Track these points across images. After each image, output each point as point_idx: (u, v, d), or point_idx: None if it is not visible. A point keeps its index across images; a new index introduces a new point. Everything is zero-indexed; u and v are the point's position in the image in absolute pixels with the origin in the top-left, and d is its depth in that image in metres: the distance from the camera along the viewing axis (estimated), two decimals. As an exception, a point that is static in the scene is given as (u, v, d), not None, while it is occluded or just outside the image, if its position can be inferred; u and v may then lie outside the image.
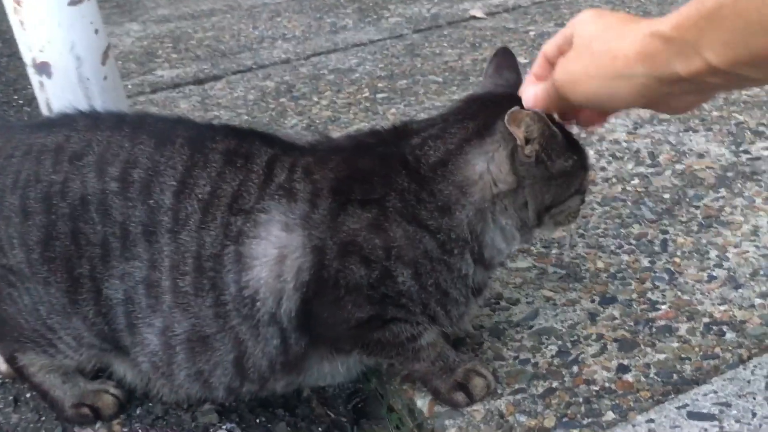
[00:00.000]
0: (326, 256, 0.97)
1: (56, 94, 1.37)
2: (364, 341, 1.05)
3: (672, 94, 0.75)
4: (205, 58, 2.81)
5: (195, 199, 0.99)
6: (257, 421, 1.22)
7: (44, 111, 1.43)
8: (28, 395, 1.30)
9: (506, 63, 1.11)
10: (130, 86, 2.56)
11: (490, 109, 1.01)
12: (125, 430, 1.21)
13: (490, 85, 1.10)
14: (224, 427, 1.21)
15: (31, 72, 1.39)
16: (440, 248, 0.99)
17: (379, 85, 2.38)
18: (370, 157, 1.02)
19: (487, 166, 0.98)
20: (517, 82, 1.07)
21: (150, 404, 1.25)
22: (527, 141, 0.95)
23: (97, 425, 1.22)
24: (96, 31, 1.37)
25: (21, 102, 2.71)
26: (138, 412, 1.24)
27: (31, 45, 1.35)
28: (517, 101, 0.95)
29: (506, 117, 0.92)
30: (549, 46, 0.91)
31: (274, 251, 0.97)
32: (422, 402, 1.11)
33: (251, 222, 0.98)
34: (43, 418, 1.25)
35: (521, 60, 2.45)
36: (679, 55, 0.68)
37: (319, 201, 0.98)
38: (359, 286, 0.98)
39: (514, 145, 0.96)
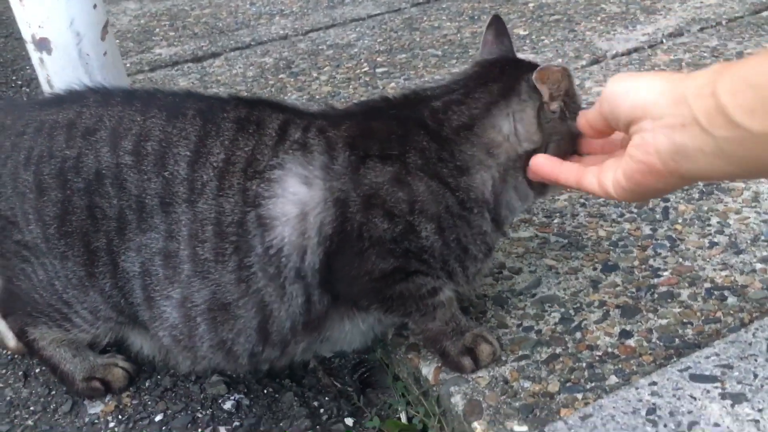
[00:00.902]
0: (349, 209, 0.98)
1: (56, 71, 1.37)
2: (386, 294, 1.05)
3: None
4: (202, 35, 2.80)
5: (210, 167, 1.00)
6: (264, 391, 1.24)
7: (45, 88, 1.43)
8: (37, 370, 1.32)
9: (503, 30, 1.14)
10: (128, 65, 2.55)
11: (510, 70, 1.05)
12: (134, 402, 1.23)
13: (497, 51, 1.12)
14: (232, 397, 1.22)
15: (30, 48, 1.39)
16: (460, 205, 1.02)
17: (379, 59, 2.37)
18: (384, 119, 1.05)
19: (513, 127, 1.02)
20: (511, 48, 1.13)
21: (159, 376, 1.27)
22: (552, 98, 0.99)
23: (108, 398, 1.24)
24: (94, 6, 1.36)
25: (19, 83, 2.71)
26: (147, 384, 1.26)
27: (30, 21, 1.34)
28: (532, 64, 1.02)
29: (534, 74, 0.96)
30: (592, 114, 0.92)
31: (294, 209, 0.98)
32: (427, 370, 1.12)
33: (267, 182, 0.99)
34: (53, 392, 1.27)
35: (520, 32, 2.44)
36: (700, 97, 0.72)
37: (336, 153, 1.00)
38: (383, 240, 0.99)
39: (540, 102, 1.00)
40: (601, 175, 0.88)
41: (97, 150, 1.02)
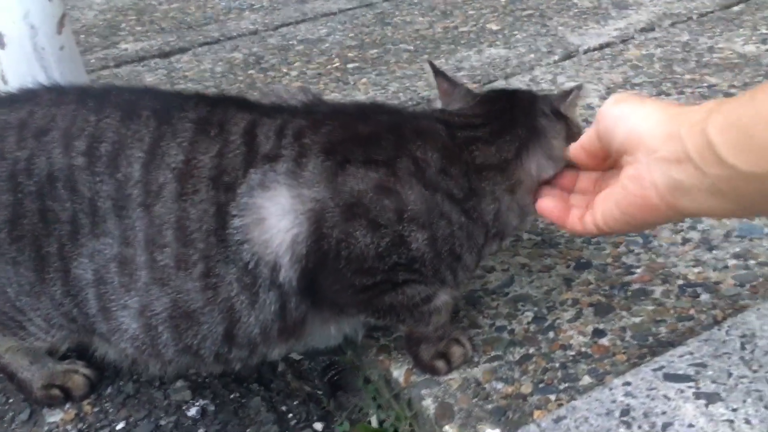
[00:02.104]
0: (326, 223, 0.92)
1: (11, 66, 1.32)
2: (376, 306, 1.01)
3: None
4: (170, 30, 2.74)
5: (167, 169, 0.95)
6: (231, 396, 1.21)
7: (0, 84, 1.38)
8: (-6, 378, 1.27)
9: (445, 74, 1.14)
10: (93, 60, 2.49)
11: (525, 106, 1.05)
12: (96, 410, 1.19)
13: (465, 91, 1.12)
14: (197, 403, 1.19)
15: (-16, 43, 1.33)
16: (465, 214, 0.99)
17: (350, 54, 2.34)
18: (373, 124, 1.00)
19: (538, 163, 1.01)
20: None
21: (121, 383, 1.23)
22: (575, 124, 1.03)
23: (67, 406, 1.19)
24: (50, -1, 1.31)
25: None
26: (108, 391, 1.22)
27: (-18, 14, 1.29)
28: (539, 95, 1.09)
29: (569, 99, 1.03)
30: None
31: (263, 227, 0.93)
32: (398, 372, 1.09)
33: (238, 197, 0.93)
34: (11, 401, 1.22)
35: (492, 27, 2.43)
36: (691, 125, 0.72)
37: (306, 160, 0.94)
38: (364, 257, 0.94)
39: (568, 128, 1.02)
40: (595, 212, 0.87)
41: (49, 151, 0.98)
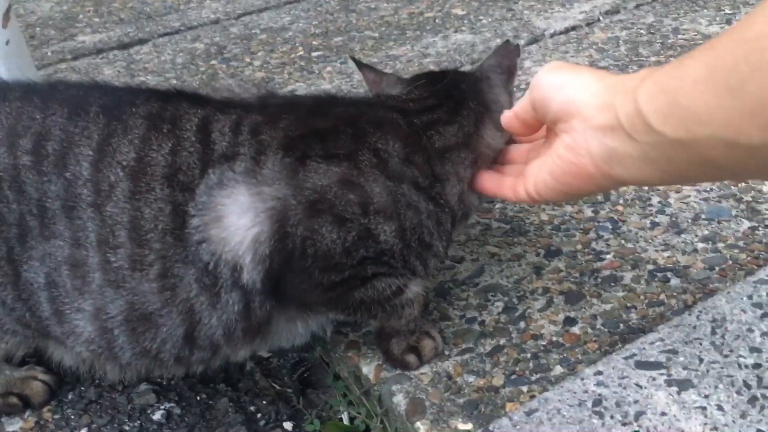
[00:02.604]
0: (288, 221, 0.89)
1: (-45, 62, 1.26)
2: (346, 303, 0.98)
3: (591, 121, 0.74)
4: (129, 21, 2.67)
5: (119, 167, 0.91)
6: (198, 398, 1.17)
7: (-54, 81, 1.32)
8: (-51, 387, 1.22)
9: (369, 66, 1.16)
10: (49, 53, 2.42)
11: (466, 80, 1.07)
12: (57, 417, 1.14)
13: (394, 79, 1.12)
14: (162, 407, 1.15)
15: (-74, 39, 1.27)
16: (432, 202, 0.97)
17: (314, 42, 2.30)
18: (330, 118, 0.97)
19: (492, 134, 1.02)
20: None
21: (83, 388, 1.19)
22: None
23: (27, 414, 1.15)
24: (-5, -9, 1.25)
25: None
26: (70, 397, 1.18)
27: (-77, 8, 1.23)
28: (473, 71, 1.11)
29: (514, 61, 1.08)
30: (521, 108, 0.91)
31: (223, 221, 0.89)
32: (368, 368, 1.07)
33: (195, 196, 0.90)
34: (-32, 411, 1.17)
35: (458, 12, 2.40)
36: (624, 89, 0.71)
37: (265, 157, 0.91)
38: (331, 254, 0.91)
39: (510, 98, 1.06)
40: (527, 182, 0.86)
41: None
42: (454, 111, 1.02)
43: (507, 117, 0.92)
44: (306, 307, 1.00)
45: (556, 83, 0.79)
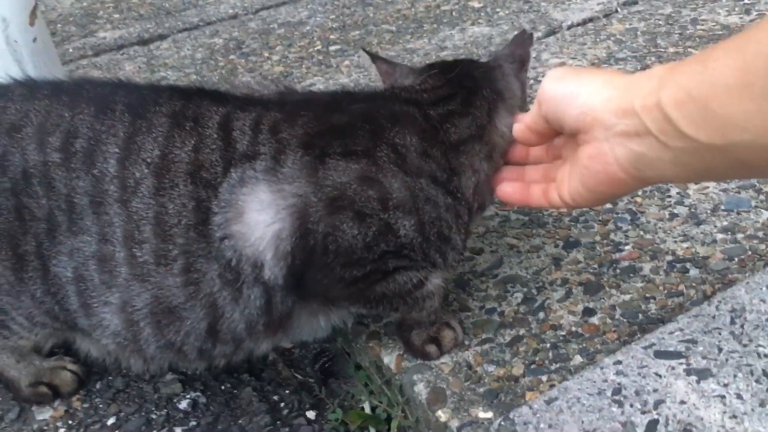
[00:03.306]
0: (310, 218, 0.91)
1: (-16, 60, 1.29)
2: (368, 297, 1.00)
3: (614, 129, 0.74)
4: (148, 16, 2.70)
5: (144, 164, 0.94)
6: (222, 388, 1.20)
7: (-26, 78, 1.35)
8: (-19, 377, 1.25)
9: (383, 57, 1.17)
10: (71, 50, 2.45)
11: (479, 69, 1.08)
12: (85, 406, 1.17)
13: (407, 70, 1.13)
14: (188, 396, 1.18)
15: (-45, 37, 1.30)
16: (451, 196, 0.98)
17: (332, 37, 2.31)
18: (347, 114, 0.98)
19: (506, 122, 1.02)
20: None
21: (110, 377, 1.22)
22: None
23: (56, 403, 1.18)
24: (21, -10, 1.28)
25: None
26: (98, 386, 1.21)
27: (-48, 8, 1.26)
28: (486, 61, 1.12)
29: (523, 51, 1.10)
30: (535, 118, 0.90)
31: (244, 217, 0.92)
32: (389, 358, 1.09)
33: (218, 194, 0.92)
34: (-1, 400, 1.21)
35: (475, 5, 2.40)
36: (645, 91, 0.69)
37: (285, 156, 0.92)
38: (353, 249, 0.92)
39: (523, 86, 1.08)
40: (560, 189, 0.87)
41: (23, 148, 0.96)
42: (467, 101, 1.02)
43: (519, 129, 0.93)
44: (328, 301, 1.02)
45: (565, 95, 0.79)
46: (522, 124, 0.92)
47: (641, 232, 1.26)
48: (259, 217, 0.91)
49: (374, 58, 1.14)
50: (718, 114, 0.61)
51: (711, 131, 0.62)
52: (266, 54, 2.24)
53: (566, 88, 0.79)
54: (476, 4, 2.40)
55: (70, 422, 1.15)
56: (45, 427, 1.15)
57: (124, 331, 0.99)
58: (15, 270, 0.98)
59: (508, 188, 0.99)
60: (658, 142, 0.68)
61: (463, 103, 1.02)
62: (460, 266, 1.24)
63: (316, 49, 2.24)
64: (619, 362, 0.96)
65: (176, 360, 1.05)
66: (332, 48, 2.23)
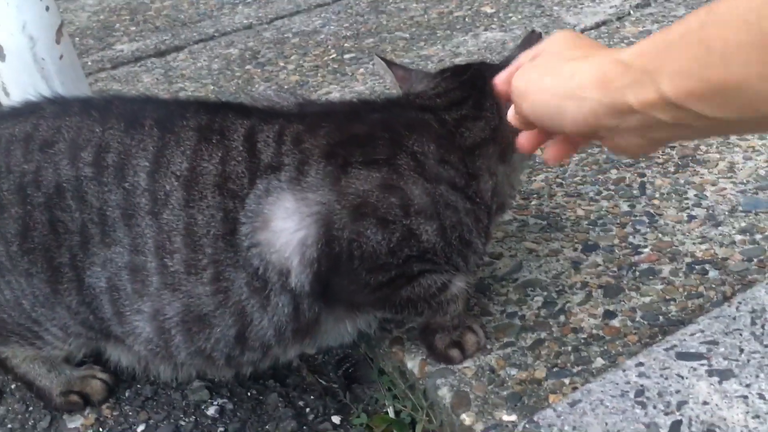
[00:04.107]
0: (335, 225, 0.94)
1: (12, 78, 1.32)
2: (393, 302, 1.02)
3: (619, 128, 0.70)
4: (164, 28, 2.73)
5: (173, 177, 0.96)
6: (248, 394, 1.22)
7: (1, 96, 1.38)
8: (13, 386, 1.28)
9: (397, 63, 1.19)
10: (90, 63, 2.49)
11: (490, 69, 1.07)
12: (115, 413, 1.20)
13: (423, 75, 1.15)
14: (215, 403, 1.20)
15: (-17, 56, 1.33)
16: (469, 200, 1.01)
17: (346, 45, 2.34)
18: (366, 123, 1.01)
19: None
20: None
21: (139, 385, 1.24)
22: None
23: (87, 411, 1.21)
24: (47, 8, 1.31)
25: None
26: (127, 394, 1.23)
27: (-20, 28, 1.29)
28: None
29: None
30: (524, 57, 0.86)
31: (270, 225, 0.94)
32: (412, 363, 1.11)
33: (245, 205, 0.95)
34: (31, 408, 1.23)
35: (487, 10, 2.42)
36: (635, 83, 0.64)
37: (308, 167, 0.95)
38: (377, 254, 0.95)
39: None
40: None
41: (56, 163, 0.98)
42: (478, 104, 1.05)
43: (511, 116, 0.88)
44: (354, 307, 1.04)
45: (550, 106, 0.74)
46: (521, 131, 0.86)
47: (660, 235, 1.27)
48: (285, 225, 0.94)
49: (389, 64, 1.17)
50: (745, 94, 0.57)
51: (740, 109, 0.59)
52: (281, 63, 2.27)
53: (546, 99, 0.74)
54: (489, 10, 2.41)
55: (100, 430, 1.17)
56: (76, 435, 1.17)
57: (156, 339, 1.01)
58: (50, 282, 1.00)
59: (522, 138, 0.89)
60: (677, 126, 0.65)
61: (474, 106, 1.05)
62: (481, 271, 1.25)
63: (330, 57, 2.26)
64: (641, 364, 0.97)
65: (205, 367, 1.07)
66: (347, 56, 2.25)
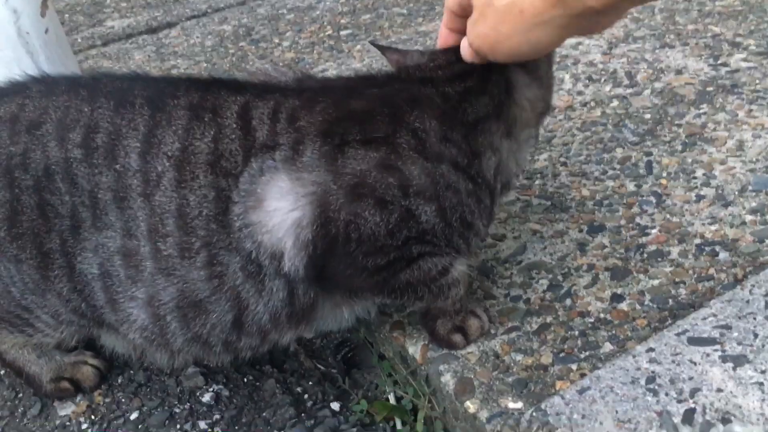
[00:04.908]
0: (331, 206, 0.89)
1: (-4, 52, 1.27)
2: (392, 286, 0.98)
3: (592, 21, 0.79)
4: (156, 4, 2.67)
5: (164, 158, 0.92)
6: (245, 380, 1.18)
7: (-15, 71, 1.33)
8: (2, 372, 1.24)
9: (392, 47, 1.11)
10: (79, 40, 2.43)
11: None
12: (107, 400, 1.16)
13: (417, 55, 1.05)
14: (211, 389, 1.16)
15: (-34, 30, 1.28)
16: (471, 181, 0.96)
17: (342, 21, 2.28)
18: (365, 98, 0.96)
19: (529, 93, 1.01)
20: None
21: (132, 372, 1.21)
22: None
23: (78, 398, 1.17)
24: (31, -20, 1.25)
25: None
26: (120, 381, 1.20)
27: (-38, 1, 1.24)
28: None
29: None
30: (450, 2, 0.92)
31: (263, 204, 0.90)
32: (414, 348, 1.07)
33: (238, 184, 0.90)
34: (21, 395, 1.20)
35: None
36: None
37: (303, 147, 0.90)
38: (376, 236, 0.91)
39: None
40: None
41: (44, 144, 0.94)
42: (484, 77, 0.98)
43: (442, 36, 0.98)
44: (351, 293, 1.00)
45: (522, 45, 0.83)
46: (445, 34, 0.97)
47: (668, 215, 1.23)
48: (279, 204, 0.90)
49: (383, 49, 1.10)
50: None
51: None
52: (276, 40, 2.22)
53: (520, 47, 0.83)
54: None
55: (92, 417, 1.14)
56: (67, 423, 1.14)
57: (151, 326, 0.97)
58: (40, 268, 0.96)
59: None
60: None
61: (480, 78, 0.98)
62: (483, 253, 1.22)
63: (327, 34, 2.21)
64: (652, 349, 0.93)
65: (202, 353, 1.03)
66: (343, 33, 2.20)
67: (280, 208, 0.90)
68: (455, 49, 1.03)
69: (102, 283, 0.96)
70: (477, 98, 0.98)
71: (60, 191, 0.93)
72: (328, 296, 0.99)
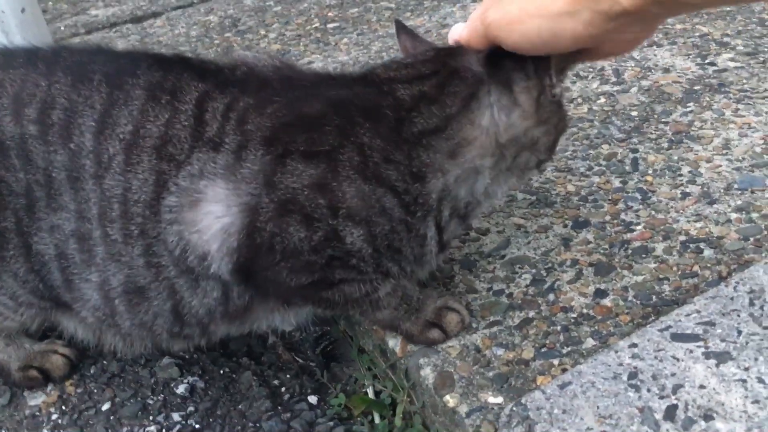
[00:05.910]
0: (259, 217, 0.86)
1: (-30, 32, 1.23)
2: (316, 299, 0.97)
3: (617, 30, 0.74)
4: (141, -6, 2.64)
5: (117, 139, 0.89)
6: (221, 372, 1.16)
7: (-40, 52, 1.30)
8: (-29, 361, 1.21)
9: (413, 33, 1.06)
10: (62, 28, 2.40)
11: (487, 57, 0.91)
12: (79, 390, 1.14)
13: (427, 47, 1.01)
14: (186, 381, 1.14)
15: (-60, 9, 1.25)
16: (404, 209, 0.89)
17: (330, 14, 2.26)
18: (321, 103, 0.89)
19: (493, 119, 0.90)
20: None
21: (105, 362, 1.18)
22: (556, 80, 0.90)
23: (49, 388, 1.14)
24: (9, -42, 1.22)
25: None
26: (92, 371, 1.17)
27: (-64, -24, 1.20)
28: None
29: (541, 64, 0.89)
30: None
31: (198, 205, 0.88)
32: (394, 342, 1.05)
33: (178, 173, 0.87)
34: (-10, 385, 1.16)
35: (477, -19, 2.34)
36: None
37: (246, 153, 0.87)
38: (299, 251, 0.88)
39: (541, 87, 0.90)
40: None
41: None
42: (443, 84, 0.90)
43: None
44: (284, 301, 0.99)
45: (543, 30, 0.77)
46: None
47: (653, 212, 1.22)
48: (211, 208, 0.88)
49: (400, 30, 1.04)
50: None
51: None
52: (262, 32, 2.19)
53: (540, 31, 0.77)
54: (478, -19, 2.34)
55: (63, 408, 1.11)
56: (37, 413, 1.11)
57: (102, 306, 0.97)
58: None
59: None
60: (672, 6, 0.72)
61: (437, 84, 0.90)
62: (467, 247, 1.20)
63: (313, 26, 2.18)
64: (635, 345, 0.92)
65: (152, 339, 1.03)
66: (330, 26, 2.17)
67: (212, 212, 0.88)
68: (437, 49, 0.98)
69: (58, 263, 0.94)
70: (428, 106, 0.90)
71: (15, 167, 0.90)
72: (263, 300, 0.98)
